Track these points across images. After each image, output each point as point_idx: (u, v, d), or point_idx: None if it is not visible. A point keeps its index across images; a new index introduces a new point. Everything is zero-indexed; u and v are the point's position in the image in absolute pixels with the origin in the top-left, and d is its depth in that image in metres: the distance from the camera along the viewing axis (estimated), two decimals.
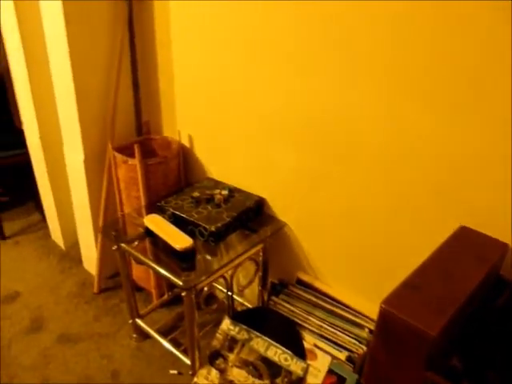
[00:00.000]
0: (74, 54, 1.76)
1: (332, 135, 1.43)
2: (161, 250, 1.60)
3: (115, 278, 2.28)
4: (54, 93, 1.95)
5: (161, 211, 1.70)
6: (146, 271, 2.04)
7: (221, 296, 2.08)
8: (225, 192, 1.74)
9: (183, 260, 1.52)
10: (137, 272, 2.09)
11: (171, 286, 2.09)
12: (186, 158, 1.96)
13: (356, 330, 1.50)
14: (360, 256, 1.53)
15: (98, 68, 1.86)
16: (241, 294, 2.03)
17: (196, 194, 1.74)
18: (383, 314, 0.94)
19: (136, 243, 1.69)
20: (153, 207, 1.76)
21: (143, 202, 1.85)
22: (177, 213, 1.65)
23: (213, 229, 1.55)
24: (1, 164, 2.54)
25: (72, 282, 2.30)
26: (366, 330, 1.49)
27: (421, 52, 1.14)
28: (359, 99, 1.32)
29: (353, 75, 1.31)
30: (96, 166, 1.97)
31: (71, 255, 2.48)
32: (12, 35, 2.00)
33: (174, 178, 1.91)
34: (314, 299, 1.63)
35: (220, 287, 2.05)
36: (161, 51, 1.88)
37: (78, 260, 2.41)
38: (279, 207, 1.73)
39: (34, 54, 2.02)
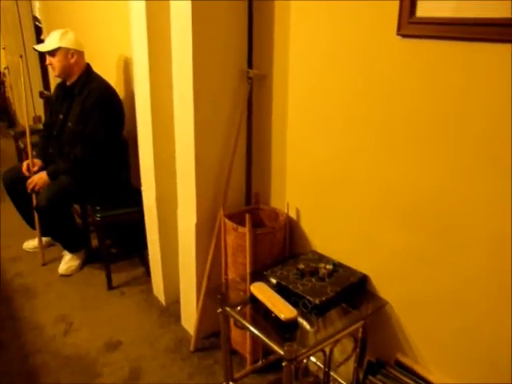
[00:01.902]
0: (198, 125, 1.95)
1: (440, 216, 1.46)
2: (263, 317, 1.66)
3: (210, 339, 2.35)
4: (175, 158, 2.14)
5: (266, 280, 1.78)
6: (243, 335, 2.10)
7: (313, 368, 2.08)
8: (329, 266, 1.78)
9: (286, 330, 1.57)
10: (233, 335, 2.15)
11: (266, 352, 2.13)
12: (291, 229, 2.05)
13: None
14: (468, 343, 1.49)
15: (217, 139, 2.04)
16: (335, 369, 2.02)
17: (301, 266, 1.80)
18: None
19: (239, 308, 1.77)
20: (257, 275, 1.84)
21: (248, 269, 1.94)
22: (282, 283, 1.71)
23: (317, 302, 1.60)
24: (116, 219, 2.78)
25: (170, 338, 2.40)
26: None
27: None
28: (466, 183, 1.35)
29: (463, 159, 1.35)
30: (206, 230, 2.11)
31: (171, 311, 2.60)
32: (144, 106, 2.26)
33: (280, 248, 1.99)
34: None
35: (314, 360, 2.05)
36: (276, 128, 2.02)
37: (176, 317, 2.53)
38: (382, 285, 1.74)
39: (161, 121, 2.26)
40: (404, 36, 1.43)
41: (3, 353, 2.34)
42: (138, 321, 2.54)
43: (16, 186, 3.03)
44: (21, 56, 3.54)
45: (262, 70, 2.00)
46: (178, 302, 2.52)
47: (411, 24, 1.41)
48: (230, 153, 2.04)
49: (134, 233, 3.01)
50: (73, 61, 2.77)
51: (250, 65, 2.02)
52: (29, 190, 2.85)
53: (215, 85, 1.96)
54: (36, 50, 2.85)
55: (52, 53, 2.74)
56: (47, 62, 2.79)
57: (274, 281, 1.75)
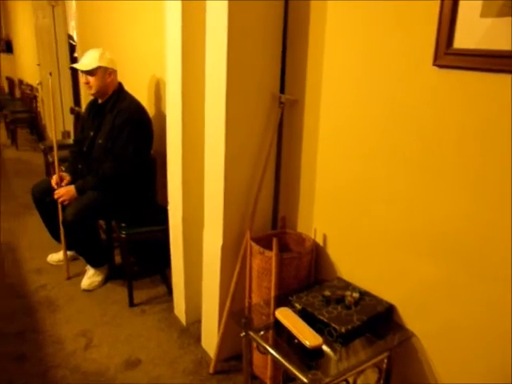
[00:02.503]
0: (228, 147, 1.96)
1: (469, 246, 1.44)
2: (286, 343, 1.64)
3: (230, 362, 2.33)
4: (203, 179, 2.16)
5: (291, 305, 1.76)
6: (264, 360, 2.08)
7: None
8: (355, 294, 1.76)
9: (310, 357, 1.55)
10: (254, 360, 2.13)
11: (287, 379, 2.09)
12: (317, 255, 2.03)
13: None
14: (500, 380, 1.45)
15: (246, 162, 2.05)
16: None
17: (327, 292, 1.78)
18: None
19: (262, 333, 1.76)
20: (282, 300, 1.83)
21: (273, 293, 1.92)
22: (307, 309, 1.70)
23: (343, 330, 1.57)
24: (141, 237, 2.80)
25: (189, 359, 2.39)
26: None
27: None
28: (497, 213, 1.33)
29: (493, 190, 1.33)
30: (231, 253, 2.11)
31: (191, 332, 2.59)
32: (175, 126, 2.30)
33: (305, 273, 1.98)
34: None
35: None
36: (305, 154, 2.03)
37: (196, 337, 2.51)
38: (409, 316, 1.71)
39: (191, 141, 2.29)
40: (440, 67, 1.43)
41: (24, 364, 2.35)
42: (157, 340, 2.54)
43: (44, 200, 3.08)
44: (50, 74, 3.63)
45: (294, 94, 2.01)
46: (198, 322, 2.51)
47: (448, 55, 1.41)
48: (258, 176, 2.05)
49: (156, 251, 3.03)
50: (109, 80, 2.85)
51: (282, 90, 2.04)
52: (55, 198, 2.90)
53: (247, 108, 1.98)
54: (73, 69, 2.91)
55: (91, 72, 2.80)
56: (84, 80, 2.85)
57: (299, 306, 1.73)
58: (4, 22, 10.55)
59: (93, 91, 2.86)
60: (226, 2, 1.79)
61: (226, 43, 1.83)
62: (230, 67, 1.86)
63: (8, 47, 9.84)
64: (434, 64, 1.44)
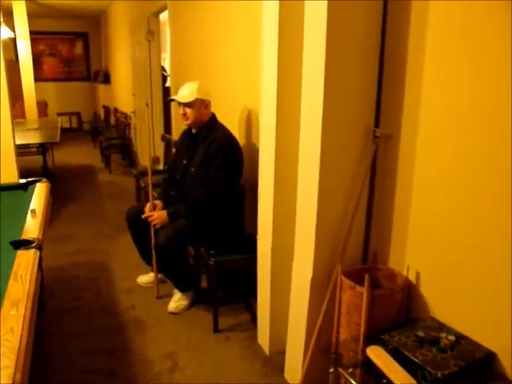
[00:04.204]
0: (322, 179, 1.97)
1: None
2: (375, 382, 1.60)
3: None
4: (294, 209, 2.18)
5: (382, 344, 1.72)
6: None
7: None
8: (451, 337, 1.69)
9: None
10: None
11: None
12: (409, 292, 1.98)
13: None
14: None
15: (339, 194, 2.05)
16: None
17: (420, 333, 1.72)
18: None
19: (350, 370, 1.72)
20: (372, 337, 1.79)
21: (363, 330, 1.88)
22: (400, 349, 1.65)
23: (439, 375, 1.51)
24: (229, 265, 2.86)
25: None
26: None
27: None
28: None
29: None
30: (320, 286, 2.10)
31: (274, 362, 2.58)
32: (268, 156, 2.36)
33: (397, 311, 1.92)
34: None
35: None
36: (400, 188, 1.99)
37: (279, 368, 2.50)
38: None
39: (283, 171, 2.33)
40: None
41: (115, 381, 2.46)
42: (240, 368, 2.56)
43: (136, 223, 3.23)
44: (146, 104, 3.86)
45: (389, 128, 2.00)
46: (282, 353, 2.50)
47: None
48: (351, 209, 2.04)
49: (242, 278, 3.08)
50: (204, 111, 2.98)
51: (376, 123, 2.04)
52: (147, 219, 3.04)
53: (342, 141, 1.99)
54: (171, 100, 3.07)
55: (189, 104, 2.94)
56: (181, 111, 2.99)
57: (391, 346, 1.68)
58: (104, 56, 11.37)
59: (189, 122, 3.00)
60: (323, 34, 1.83)
61: (323, 76, 1.87)
62: (326, 100, 1.89)
63: (106, 78, 10.57)
64: None
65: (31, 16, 8.66)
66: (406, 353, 1.62)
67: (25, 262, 1.78)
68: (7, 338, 1.28)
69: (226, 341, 2.80)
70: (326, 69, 1.86)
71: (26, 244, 1.95)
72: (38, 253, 1.91)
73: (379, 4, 1.94)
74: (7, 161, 3.88)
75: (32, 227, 2.19)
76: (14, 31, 8.49)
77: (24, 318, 1.39)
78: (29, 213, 2.36)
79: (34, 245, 1.94)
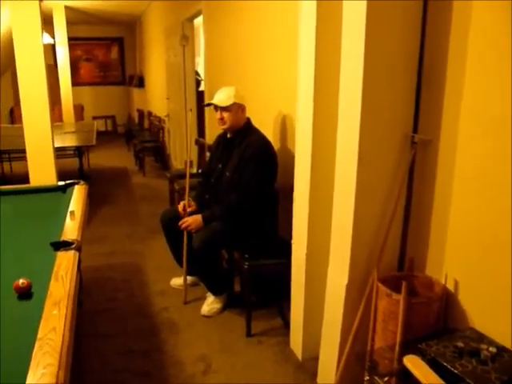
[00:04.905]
0: (359, 185, 1.96)
1: None
2: None
3: None
4: (330, 215, 2.17)
5: (420, 353, 1.69)
6: None
7: None
8: (492, 349, 1.64)
9: None
10: None
11: None
12: (447, 301, 1.94)
13: None
14: None
15: (376, 200, 2.04)
16: None
17: (460, 344, 1.68)
18: None
19: (386, 378, 1.70)
20: (408, 346, 1.76)
21: (399, 338, 1.85)
22: (438, 360, 1.61)
23: None
24: (263, 269, 2.86)
25: None
26: None
27: None
28: None
29: None
30: (356, 292, 2.08)
31: (306, 368, 2.56)
32: (304, 161, 2.37)
33: (434, 320, 1.89)
34: None
35: None
36: (438, 194, 1.96)
37: (312, 374, 2.48)
38: None
39: (320, 177, 2.33)
40: None
41: (147, 382, 2.49)
42: (273, 372, 2.55)
43: (171, 226, 3.26)
44: (191, 110, 3.90)
45: (428, 134, 1.97)
46: (314, 359, 2.48)
47: None
48: (388, 215, 2.02)
49: (274, 282, 3.07)
50: (241, 115, 3.01)
51: (415, 129, 2.01)
52: (181, 228, 3.06)
53: (380, 146, 1.98)
54: (208, 105, 3.07)
55: (227, 108, 2.97)
56: (219, 116, 3.01)
57: (428, 356, 1.65)
58: (139, 60, 11.57)
59: (226, 126, 3.02)
60: (362, 35, 1.82)
61: (362, 82, 1.86)
62: (364, 104, 1.88)
63: (140, 82, 10.74)
64: None
65: (69, 22, 8.91)
66: (445, 363, 1.59)
67: (65, 263, 1.82)
68: (50, 337, 1.31)
69: (259, 345, 2.80)
70: (365, 72, 1.85)
71: (65, 245, 1.99)
72: (78, 254, 1.95)
73: (419, 4, 1.91)
74: (46, 163, 3.99)
75: (71, 229, 2.24)
76: (53, 37, 8.74)
77: (66, 317, 1.42)
78: (68, 214, 2.42)
79: (73, 246, 1.99)
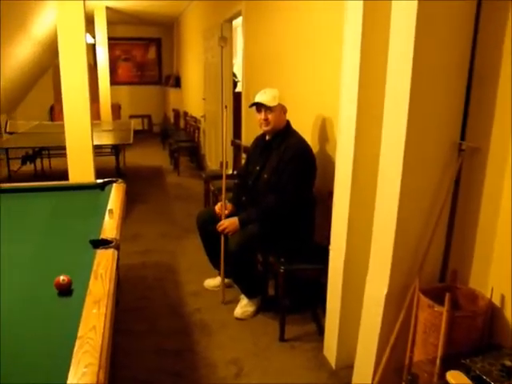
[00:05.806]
0: (403, 193, 1.90)
1: None
2: None
3: None
4: (371, 222, 2.12)
5: (463, 369, 1.62)
6: None
7: None
8: None
9: None
10: None
11: None
12: (492, 316, 1.86)
13: None
14: None
15: (420, 208, 1.98)
16: None
17: (507, 362, 1.61)
18: None
19: None
20: (450, 361, 1.70)
21: (440, 352, 1.79)
22: (484, 378, 1.55)
23: None
24: (298, 274, 2.83)
25: None
26: None
27: None
28: None
29: None
30: (395, 302, 2.02)
31: (340, 376, 2.52)
32: (345, 167, 2.33)
33: (478, 335, 1.82)
34: None
35: None
36: (486, 205, 1.89)
37: (346, 383, 2.44)
38: None
39: (361, 183, 2.28)
40: None
41: (178, 382, 2.49)
42: (306, 379, 2.51)
43: (207, 227, 3.27)
44: (226, 106, 3.90)
45: (477, 142, 1.90)
46: (348, 368, 2.43)
47: None
48: (431, 224, 1.95)
49: (310, 288, 3.03)
50: (283, 117, 3.00)
51: (462, 136, 1.94)
52: (219, 230, 3.05)
53: (426, 153, 1.92)
54: (253, 105, 3.04)
55: (271, 108, 2.95)
56: (263, 116, 2.98)
57: (473, 373, 1.59)
58: (175, 61, 11.68)
59: (269, 127, 3.00)
60: (412, 37, 1.77)
61: (409, 83, 1.80)
62: (411, 110, 1.82)
63: (177, 82, 10.85)
64: None
65: (109, 22, 9.07)
66: (492, 383, 1.53)
67: (104, 262, 1.83)
68: (90, 336, 1.31)
69: (292, 350, 2.76)
70: (413, 75, 1.79)
71: (104, 243, 2.00)
72: (116, 253, 1.96)
73: (473, 3, 1.83)
74: (85, 160, 4.04)
75: (110, 227, 2.25)
76: (94, 37, 8.92)
77: (105, 316, 1.42)
78: (106, 212, 2.44)
79: (112, 245, 2.00)
